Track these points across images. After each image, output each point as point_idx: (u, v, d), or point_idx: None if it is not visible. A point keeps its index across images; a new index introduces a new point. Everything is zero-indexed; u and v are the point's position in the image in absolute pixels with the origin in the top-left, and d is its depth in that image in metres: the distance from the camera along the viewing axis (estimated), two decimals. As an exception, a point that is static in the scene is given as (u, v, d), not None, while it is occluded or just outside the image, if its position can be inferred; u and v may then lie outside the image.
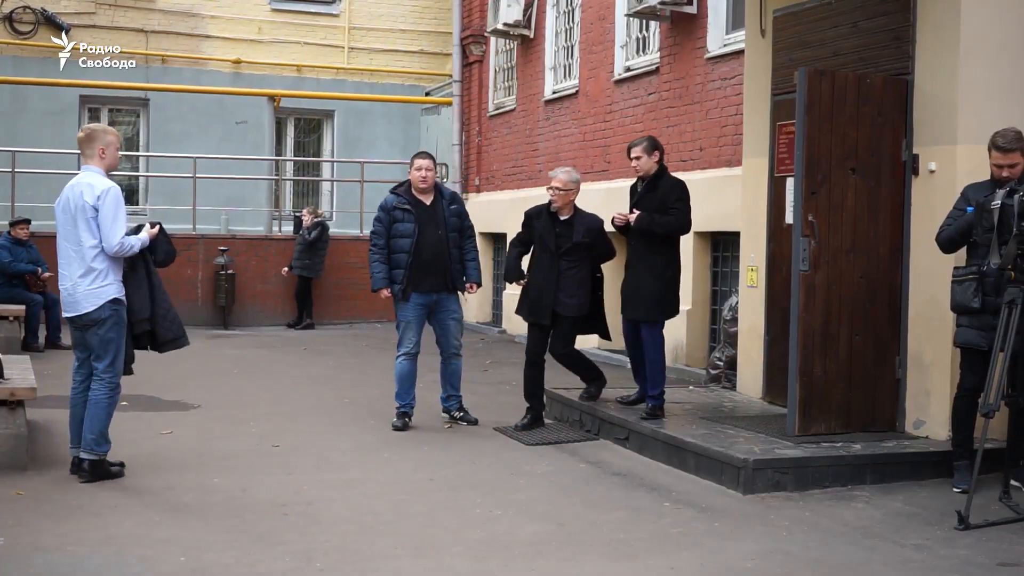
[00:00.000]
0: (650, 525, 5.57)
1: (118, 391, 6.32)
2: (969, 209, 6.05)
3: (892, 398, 7.05)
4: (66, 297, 6.26)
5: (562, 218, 7.76)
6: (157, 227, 6.36)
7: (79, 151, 6.30)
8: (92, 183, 6.19)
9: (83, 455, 6.24)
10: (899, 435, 6.93)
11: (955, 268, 6.22)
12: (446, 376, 8.13)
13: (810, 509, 5.90)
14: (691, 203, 7.53)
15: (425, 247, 7.81)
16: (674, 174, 7.90)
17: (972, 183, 6.25)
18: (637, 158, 7.47)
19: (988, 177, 6.13)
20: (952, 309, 6.22)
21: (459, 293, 8.08)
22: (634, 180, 7.76)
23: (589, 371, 8.11)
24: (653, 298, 7.39)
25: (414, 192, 7.94)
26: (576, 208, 7.82)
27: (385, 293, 7.90)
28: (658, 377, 7.44)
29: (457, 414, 8.12)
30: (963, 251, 6.25)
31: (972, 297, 6.03)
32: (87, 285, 6.15)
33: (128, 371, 6.38)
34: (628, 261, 7.61)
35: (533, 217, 7.90)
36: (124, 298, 6.25)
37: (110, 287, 6.19)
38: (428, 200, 7.93)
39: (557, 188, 7.71)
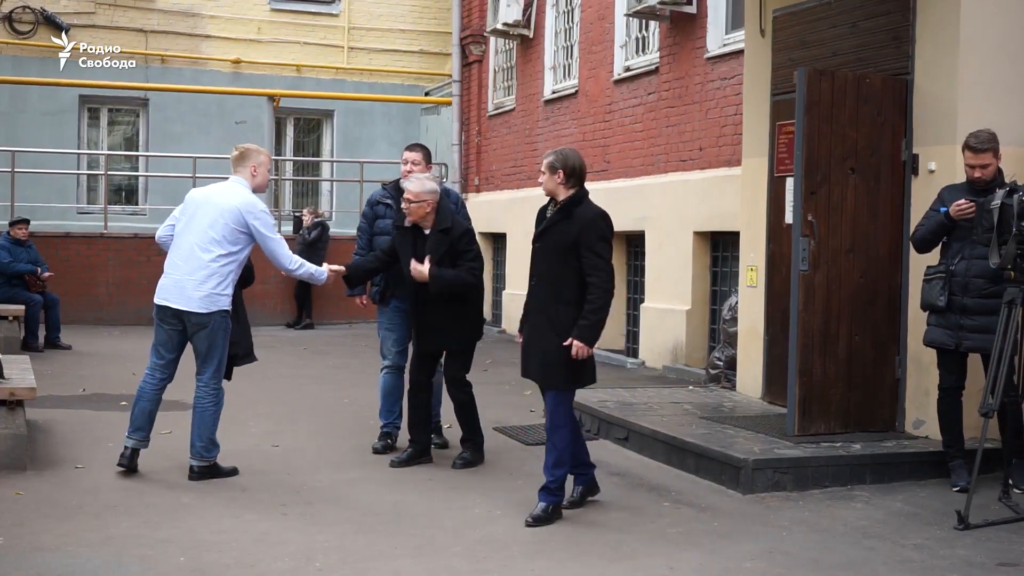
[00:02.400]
0: (649, 525, 5.58)
1: (223, 396, 6.41)
2: (943, 209, 6.12)
3: (892, 398, 7.05)
4: (173, 286, 6.20)
5: (426, 231, 6.56)
6: None
7: (231, 165, 6.36)
8: (250, 199, 6.26)
9: (193, 462, 6.30)
10: (899, 435, 6.94)
11: (927, 267, 6.27)
12: None
13: (809, 509, 5.90)
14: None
15: None
16: (674, 175, 7.70)
17: (949, 184, 6.34)
18: (541, 173, 5.79)
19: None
20: (921, 307, 6.31)
21: None
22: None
23: (473, 425, 6.86)
24: (564, 361, 5.48)
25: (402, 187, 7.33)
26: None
27: (358, 300, 7.36)
28: (563, 456, 5.62)
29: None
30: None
31: (938, 295, 6.12)
32: (210, 287, 6.14)
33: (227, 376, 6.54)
34: (530, 305, 5.74)
35: (396, 229, 6.70)
36: (231, 308, 6.29)
37: (226, 298, 6.21)
38: None
39: (408, 200, 6.50)
